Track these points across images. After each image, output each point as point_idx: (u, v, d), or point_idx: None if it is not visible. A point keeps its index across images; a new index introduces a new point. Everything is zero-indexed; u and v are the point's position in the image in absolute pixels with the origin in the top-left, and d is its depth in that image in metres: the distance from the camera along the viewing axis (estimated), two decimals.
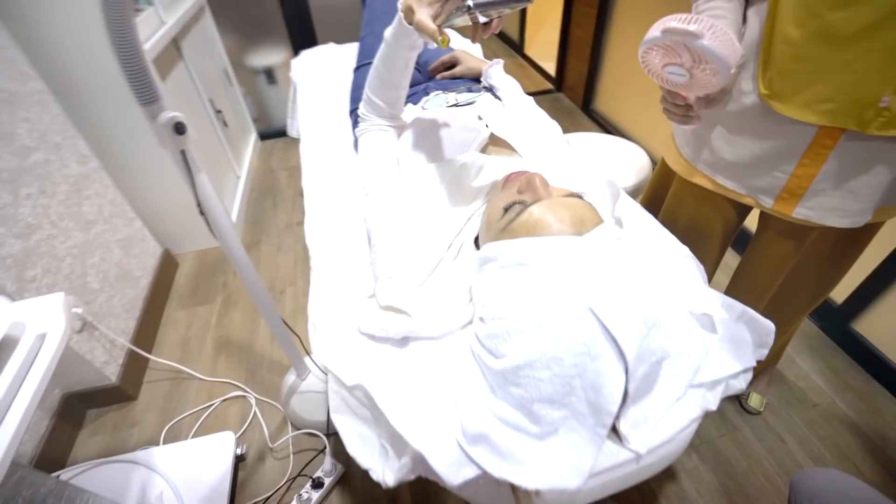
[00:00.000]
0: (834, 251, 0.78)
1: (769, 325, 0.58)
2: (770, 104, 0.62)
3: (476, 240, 0.64)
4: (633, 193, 1.23)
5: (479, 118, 0.81)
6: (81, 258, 1.23)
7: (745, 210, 0.85)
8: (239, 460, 1.15)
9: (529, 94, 1.01)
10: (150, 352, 1.42)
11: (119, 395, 1.28)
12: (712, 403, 0.54)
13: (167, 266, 1.69)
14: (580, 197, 0.52)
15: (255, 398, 1.30)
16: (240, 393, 1.32)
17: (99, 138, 1.42)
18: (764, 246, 0.84)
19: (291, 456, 1.17)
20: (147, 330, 1.46)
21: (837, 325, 1.37)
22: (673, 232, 0.81)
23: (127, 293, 1.41)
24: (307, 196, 0.97)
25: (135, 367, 1.35)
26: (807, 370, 1.31)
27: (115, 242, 1.40)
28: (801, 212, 0.69)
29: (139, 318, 1.43)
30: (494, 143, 0.77)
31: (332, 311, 0.68)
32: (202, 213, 0.81)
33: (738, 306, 0.59)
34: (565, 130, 1.00)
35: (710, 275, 0.97)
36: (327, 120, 1.23)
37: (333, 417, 0.60)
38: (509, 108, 0.97)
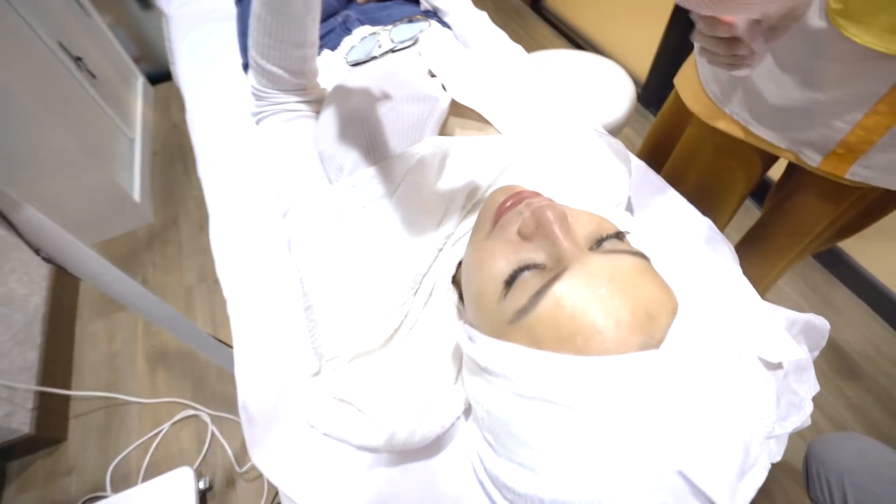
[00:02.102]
0: (871, 209, 0.65)
1: (825, 327, 0.47)
2: (840, 27, 0.43)
3: (454, 278, 0.45)
4: (615, 131, 1.04)
5: (432, 74, 0.56)
6: None
7: (772, 160, 0.70)
8: (205, 493, 1.02)
9: None
10: (67, 384, 1.19)
11: (41, 442, 1.08)
12: (777, 454, 0.43)
13: (65, 271, 1.38)
14: (621, 238, 0.33)
15: (210, 415, 1.14)
16: (190, 412, 1.15)
17: None
18: (793, 209, 0.70)
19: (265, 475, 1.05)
20: (56, 357, 1.21)
21: None
22: (682, 186, 0.66)
23: (15, 320, 1.13)
24: (209, 197, 0.72)
25: (53, 407, 1.13)
26: (787, 291, 1.29)
27: None
28: (858, 172, 0.54)
29: (41, 345, 1.17)
30: (456, 111, 0.54)
31: (268, 391, 0.49)
32: (47, 259, 0.57)
33: (800, 318, 0.46)
34: (515, 39, 0.76)
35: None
36: (222, 72, 0.91)
37: None
38: (463, 40, 0.72)
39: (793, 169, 0.71)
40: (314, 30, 0.48)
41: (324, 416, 0.42)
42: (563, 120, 0.52)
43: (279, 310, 0.55)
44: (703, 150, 0.72)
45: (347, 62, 0.62)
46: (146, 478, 1.05)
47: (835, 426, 1.07)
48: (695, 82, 0.67)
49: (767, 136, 0.60)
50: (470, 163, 0.48)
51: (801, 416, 0.42)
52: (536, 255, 0.32)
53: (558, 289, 0.29)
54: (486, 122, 0.52)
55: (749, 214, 0.82)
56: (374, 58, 0.63)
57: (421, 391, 0.40)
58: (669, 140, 0.80)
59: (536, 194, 0.37)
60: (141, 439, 1.11)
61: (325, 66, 0.65)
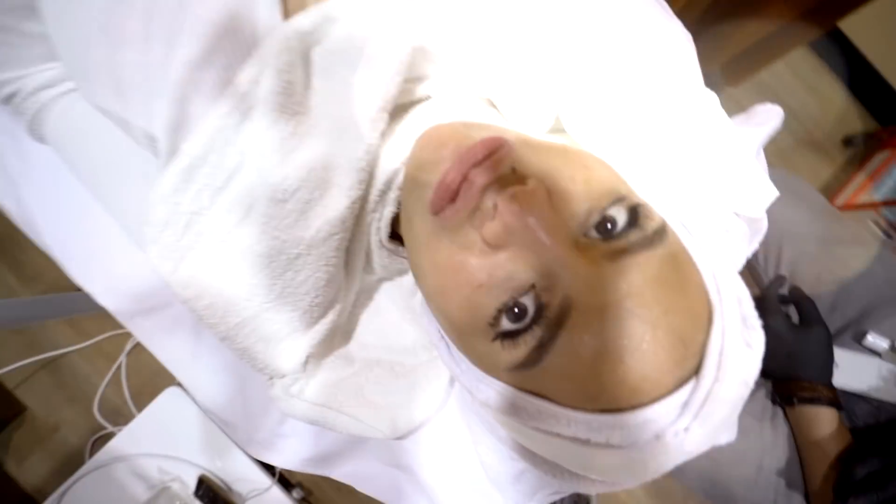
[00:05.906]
0: None
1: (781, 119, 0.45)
2: None
3: (393, 232, 0.34)
4: None
5: None
6: None
7: None
8: None
9: None
10: None
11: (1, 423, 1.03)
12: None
13: None
14: (635, 219, 0.24)
15: None
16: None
17: None
18: None
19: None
20: None
21: None
22: None
23: None
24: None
25: None
26: None
27: None
28: None
29: None
30: None
31: (226, 392, 0.45)
32: None
33: (766, 133, 0.42)
34: None
35: None
36: None
37: None
38: None
39: None
40: None
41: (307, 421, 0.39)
42: None
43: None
44: None
45: None
46: (138, 405, 1.08)
47: None
48: None
49: None
50: (362, 46, 0.29)
51: (760, 237, 0.43)
52: (517, 269, 0.24)
53: (568, 339, 0.23)
54: None
55: None
56: None
57: (400, 371, 0.37)
58: None
59: (490, 152, 0.23)
60: (105, 378, 1.08)
61: None
